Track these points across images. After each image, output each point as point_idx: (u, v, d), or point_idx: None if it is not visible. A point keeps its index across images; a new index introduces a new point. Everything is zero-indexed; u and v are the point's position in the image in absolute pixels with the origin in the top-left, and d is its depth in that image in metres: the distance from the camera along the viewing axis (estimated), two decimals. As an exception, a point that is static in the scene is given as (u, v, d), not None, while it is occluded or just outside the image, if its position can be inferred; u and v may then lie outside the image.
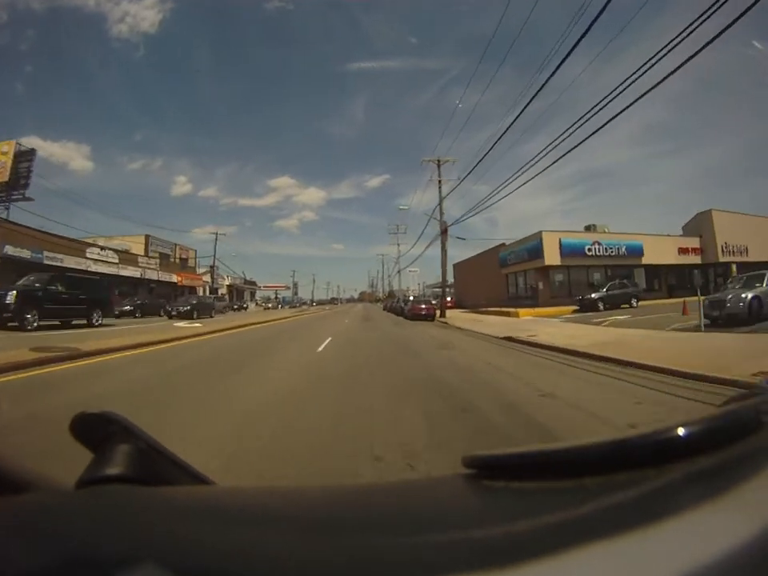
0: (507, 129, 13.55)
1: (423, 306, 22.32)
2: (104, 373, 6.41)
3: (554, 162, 12.52)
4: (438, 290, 57.11)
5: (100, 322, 15.61)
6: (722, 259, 29.84)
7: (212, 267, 47.75)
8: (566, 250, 25.83)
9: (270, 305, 63.46)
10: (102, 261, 31.65)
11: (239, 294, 60.18)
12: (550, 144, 11.26)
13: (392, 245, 76.73)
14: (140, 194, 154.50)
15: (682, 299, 25.04)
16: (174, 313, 22.71)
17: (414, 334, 13.51)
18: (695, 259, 30.17)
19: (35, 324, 12.65)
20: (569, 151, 11.11)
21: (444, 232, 23.77)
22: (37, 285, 13.56)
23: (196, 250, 47.85)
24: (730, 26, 6.21)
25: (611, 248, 26.91)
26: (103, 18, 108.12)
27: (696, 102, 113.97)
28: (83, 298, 14.95)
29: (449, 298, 26.26)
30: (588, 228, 28.64)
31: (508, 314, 21.25)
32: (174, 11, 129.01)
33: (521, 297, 28.59)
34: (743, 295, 11.44)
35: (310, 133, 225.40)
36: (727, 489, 0.35)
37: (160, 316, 23.69)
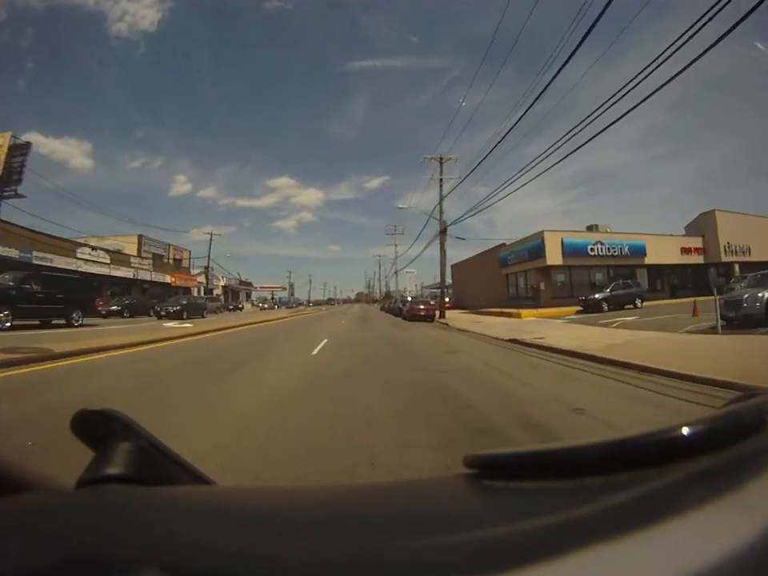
0: (510, 130, 13.59)
1: (422, 307, 21.70)
2: (73, 377, 5.83)
3: (555, 164, 12.01)
4: (434, 290, 56.64)
5: (80, 322, 15.00)
6: (724, 259, 29.49)
7: (206, 268, 47.07)
8: (568, 250, 25.29)
9: (266, 305, 62.68)
10: (93, 261, 31.06)
11: (234, 295, 59.45)
12: (551, 146, 11.05)
13: (389, 245, 76.16)
14: (139, 194, 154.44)
15: (685, 299, 24.95)
16: (163, 313, 21.97)
17: (414, 336, 12.89)
18: (698, 259, 29.86)
19: (8, 324, 12.13)
20: (570, 153, 10.98)
21: (443, 231, 23.17)
22: (10, 283, 13.00)
23: (190, 251, 47.27)
24: (733, 27, 6.03)
25: (614, 248, 26.40)
26: (104, 17, 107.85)
27: (696, 102, 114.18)
28: (61, 297, 14.35)
29: (447, 299, 25.61)
30: (590, 228, 28.11)
31: (509, 315, 20.68)
32: (173, 10, 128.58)
33: (521, 297, 28.04)
34: (760, 295, 10.87)
35: (309, 133, 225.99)
36: (729, 489, 0.35)
37: (150, 316, 22.97)
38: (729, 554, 0.28)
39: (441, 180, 23.74)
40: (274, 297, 78.32)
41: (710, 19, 6.15)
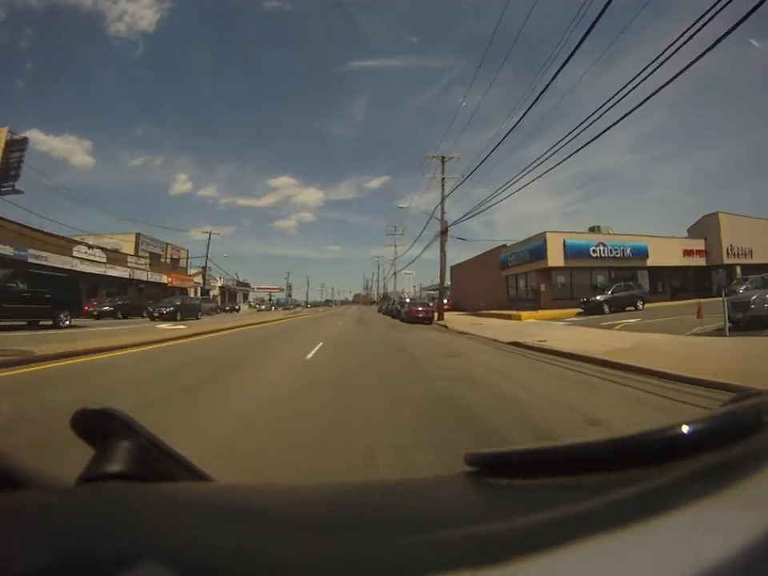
0: (511, 130, 13.56)
1: (420, 309, 21.35)
2: (53, 382, 5.47)
3: (556, 166, 12.15)
4: (432, 292, 56.29)
5: (68, 323, 14.49)
6: (726, 262, 29.35)
7: (204, 268, 46.53)
8: (570, 252, 24.97)
9: (263, 307, 62.14)
10: (89, 260, 30.67)
11: (232, 296, 58.97)
12: (552, 148, 10.93)
13: (389, 246, 75.93)
14: (139, 192, 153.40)
15: (686, 302, 24.75)
16: (156, 314, 21.39)
17: (413, 339, 12.53)
18: (700, 261, 29.68)
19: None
20: (570, 155, 11.02)
21: (444, 232, 22.81)
22: None
23: (188, 250, 46.79)
24: (735, 27, 5.94)
25: (616, 249, 26.10)
26: (103, 16, 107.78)
27: (696, 103, 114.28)
28: (49, 297, 13.77)
29: (445, 301, 25.24)
30: (593, 229, 27.85)
31: (509, 317, 20.36)
32: (172, 10, 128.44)
33: (521, 299, 27.71)
34: (768, 296, 10.57)
35: (310, 133, 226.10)
36: (729, 487, 0.35)
37: (143, 317, 22.41)
38: (728, 550, 0.29)
39: (443, 179, 23.39)
40: (272, 298, 77.78)
41: (710, 19, 6.07)
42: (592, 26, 7.95)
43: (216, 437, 3.24)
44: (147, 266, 37.56)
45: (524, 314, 20.24)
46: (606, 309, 19.78)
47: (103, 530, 0.40)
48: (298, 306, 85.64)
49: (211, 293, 49.19)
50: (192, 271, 47.46)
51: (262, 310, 54.68)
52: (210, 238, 46.42)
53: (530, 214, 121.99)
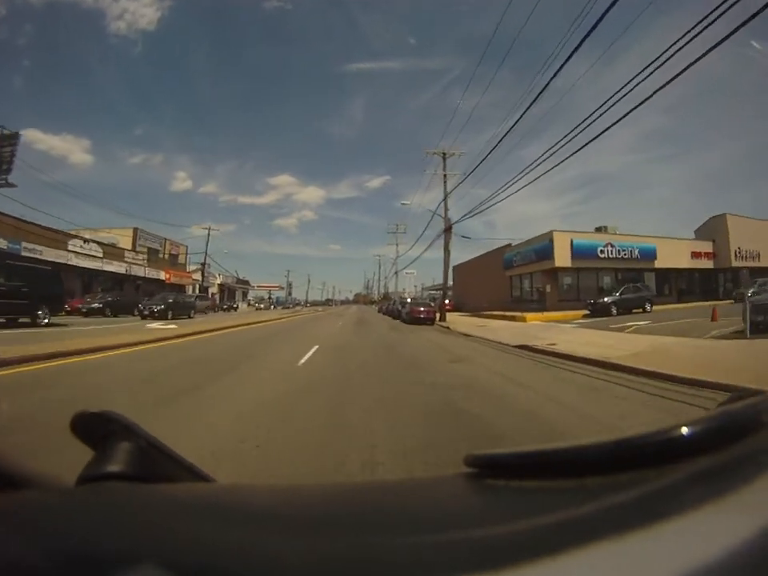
0: (512, 128, 12.92)
1: (422, 309, 20.66)
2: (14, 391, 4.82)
3: (556, 166, 11.69)
4: (434, 292, 55.61)
5: (48, 320, 13.37)
6: (734, 264, 28.77)
7: (203, 264, 45.87)
8: (577, 252, 24.37)
9: (262, 305, 61.35)
10: (85, 254, 30.16)
11: (231, 294, 58.37)
12: (551, 148, 10.80)
13: (390, 244, 75.36)
14: (139, 190, 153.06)
15: (694, 304, 24.22)
16: (146, 312, 20.38)
17: (415, 342, 11.93)
18: (707, 264, 29.18)
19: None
20: (570, 155, 10.84)
21: (448, 230, 22.16)
22: None
23: (187, 246, 46.20)
24: (736, 30, 5.90)
25: (624, 250, 25.51)
26: (103, 14, 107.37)
27: (696, 104, 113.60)
28: (26, 291, 12.54)
29: (446, 301, 24.60)
30: (599, 229, 27.21)
31: (513, 319, 19.75)
32: (173, 9, 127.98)
33: (525, 300, 27.12)
34: (791, 298, 10.03)
35: (310, 132, 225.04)
36: (728, 489, 0.35)
37: (135, 315, 21.46)
38: (728, 552, 0.28)
39: (444, 176, 22.76)
40: (271, 296, 77.14)
41: (711, 23, 6.02)
42: (593, 27, 7.83)
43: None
44: (145, 261, 36.98)
45: (529, 315, 19.63)
46: (614, 311, 19.24)
47: (103, 530, 0.40)
48: (298, 304, 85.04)
49: (210, 290, 48.59)
50: (191, 268, 46.89)
51: (261, 309, 54.08)
52: (209, 234, 45.89)
53: (530, 215, 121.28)
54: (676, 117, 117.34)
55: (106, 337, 9.80)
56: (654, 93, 7.61)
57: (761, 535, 0.30)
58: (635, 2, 11.01)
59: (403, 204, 61.08)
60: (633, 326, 13.41)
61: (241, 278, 65.43)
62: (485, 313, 25.13)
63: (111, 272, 32.24)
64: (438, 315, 20.81)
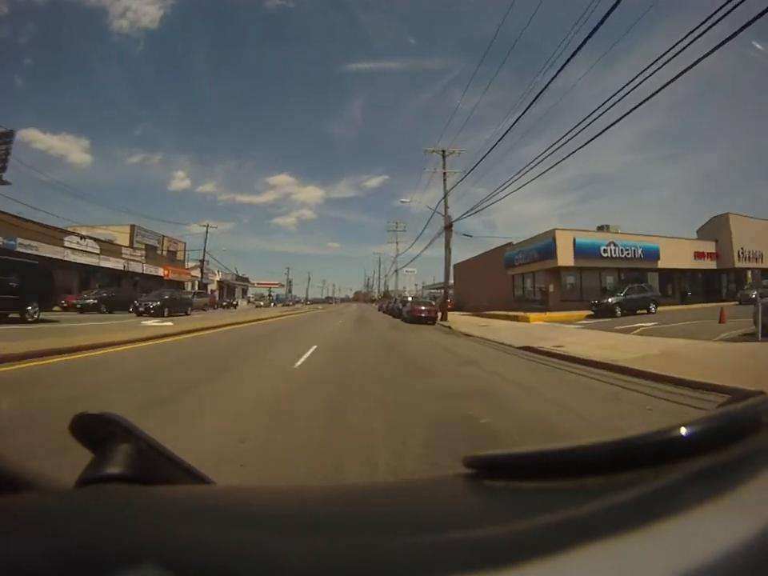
0: (512, 126, 12.69)
1: (424, 308, 20.32)
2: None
3: (555, 165, 11.75)
4: (434, 291, 55.34)
5: (37, 316, 13.08)
6: (737, 265, 28.47)
7: (202, 261, 45.54)
8: (580, 251, 24.02)
9: (261, 303, 61.15)
10: (82, 250, 29.88)
11: (230, 291, 58.06)
12: (550, 147, 10.77)
13: (390, 243, 75.03)
14: (138, 189, 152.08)
15: (698, 305, 23.96)
16: (141, 309, 19.93)
17: (418, 342, 11.63)
18: (710, 264, 28.88)
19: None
20: (569, 155, 10.76)
21: (449, 227, 21.84)
22: None
23: (185, 243, 45.82)
24: (737, 32, 5.90)
25: (627, 250, 25.17)
26: (105, 13, 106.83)
27: (695, 105, 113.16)
28: (15, 286, 12.28)
29: (447, 300, 24.31)
30: (601, 228, 26.85)
31: (516, 319, 19.43)
32: (175, 8, 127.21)
33: (527, 300, 26.80)
34: (806, 299, 9.75)
35: (309, 132, 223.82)
36: (727, 489, 0.35)
37: (130, 311, 21.04)
38: (727, 553, 0.29)
39: (444, 174, 22.42)
40: (271, 294, 76.90)
41: (714, 24, 5.99)
42: (595, 29, 7.77)
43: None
44: (143, 258, 36.69)
45: (532, 315, 19.32)
46: (619, 312, 18.94)
47: (103, 532, 0.40)
48: (298, 302, 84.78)
49: (209, 287, 48.33)
50: (190, 264, 46.56)
51: (260, 306, 53.84)
52: (207, 231, 45.55)
53: (529, 214, 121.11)
54: (675, 116, 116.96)
55: (94, 335, 9.36)
56: (654, 94, 7.59)
57: (760, 535, 0.30)
58: (635, 4, 10.93)
59: (403, 202, 60.85)
60: (639, 327, 13.12)
61: (240, 275, 65.13)
62: (486, 312, 24.82)
63: (109, 268, 32.04)
64: (439, 314, 20.52)
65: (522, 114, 11.84)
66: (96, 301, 21.49)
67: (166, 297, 21.40)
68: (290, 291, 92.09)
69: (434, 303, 23.47)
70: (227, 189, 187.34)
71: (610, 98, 8.26)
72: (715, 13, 5.96)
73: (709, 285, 29.26)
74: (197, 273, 45.35)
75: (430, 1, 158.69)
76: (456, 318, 21.78)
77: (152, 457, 0.59)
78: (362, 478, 2.53)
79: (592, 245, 24.42)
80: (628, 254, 25.22)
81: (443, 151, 22.84)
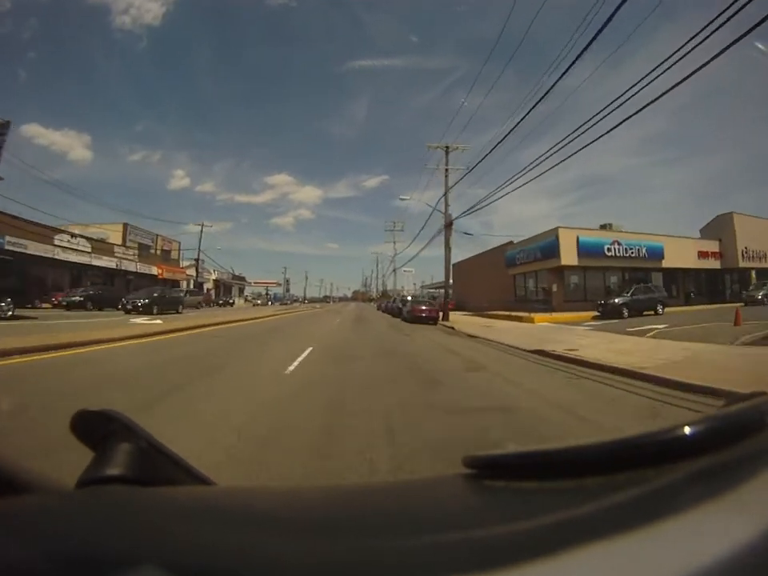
0: (515, 126, 13.09)
1: (425, 308, 19.70)
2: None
3: (555, 165, 12.04)
4: (432, 290, 54.81)
5: (11, 313, 12.52)
6: (741, 264, 28.07)
7: (197, 260, 45.02)
8: (583, 250, 23.44)
9: (259, 301, 60.85)
10: (73, 249, 29.24)
11: (227, 290, 57.52)
12: (551, 148, 10.95)
13: (388, 242, 74.44)
14: (137, 187, 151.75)
15: (702, 306, 23.45)
16: (129, 306, 19.18)
17: (420, 343, 11.02)
18: (714, 264, 28.45)
19: None
20: (569, 156, 10.98)
21: (449, 225, 21.24)
22: None
23: (180, 242, 45.26)
24: (740, 38, 5.90)
25: (631, 249, 24.61)
26: (108, 10, 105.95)
27: (698, 107, 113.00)
28: None
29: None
30: (604, 227, 26.30)
31: (520, 319, 18.85)
32: (177, 5, 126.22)
33: (530, 300, 26.19)
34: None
35: (308, 131, 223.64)
36: (729, 489, 0.35)
37: (118, 309, 20.26)
38: (728, 553, 0.29)
39: (446, 170, 21.80)
40: (269, 293, 76.32)
41: (718, 28, 5.96)
42: (599, 31, 7.75)
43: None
44: (135, 256, 36.11)
45: (537, 316, 18.73)
46: (626, 313, 18.36)
47: (103, 533, 0.40)
48: (296, 301, 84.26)
49: (205, 286, 47.83)
50: (185, 263, 46.00)
51: (257, 305, 53.58)
52: (202, 230, 45.03)
53: (527, 215, 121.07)
54: (676, 119, 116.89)
55: (70, 333, 8.63)
56: (658, 98, 7.61)
57: (762, 536, 0.30)
58: (639, 7, 10.60)
59: (402, 199, 60.25)
60: (652, 329, 12.52)
61: (237, 274, 64.56)
62: (488, 312, 24.26)
63: (101, 267, 31.56)
64: (441, 314, 19.92)
65: (527, 115, 12.07)
66: (82, 298, 20.82)
67: (155, 295, 20.66)
68: (287, 290, 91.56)
69: (433, 302, 22.90)
70: (226, 188, 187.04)
71: (613, 101, 8.28)
72: (718, 16, 5.90)
73: (712, 285, 28.81)
74: (192, 272, 44.80)
75: (431, 1, 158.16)
76: (457, 318, 21.21)
77: (152, 456, 0.58)
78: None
79: (596, 243, 23.86)
80: (632, 253, 24.67)
81: (446, 147, 22.21)
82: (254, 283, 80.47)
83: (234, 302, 48.82)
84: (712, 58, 6.42)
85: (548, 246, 24.03)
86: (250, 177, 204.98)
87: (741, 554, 0.28)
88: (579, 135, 9.68)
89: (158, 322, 13.83)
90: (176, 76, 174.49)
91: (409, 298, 28.67)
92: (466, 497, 0.50)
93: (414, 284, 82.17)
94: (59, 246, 28.05)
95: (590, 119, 9.14)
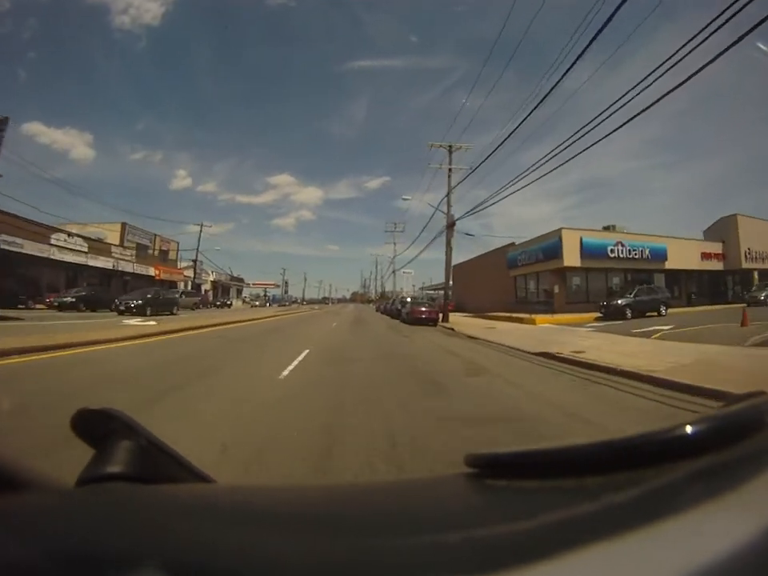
0: (517, 127, 12.56)
1: (424, 309, 19.38)
2: None
3: (555, 168, 12.41)
4: (431, 292, 54.50)
5: None
6: (744, 266, 27.85)
7: (195, 261, 44.67)
8: (587, 251, 23.14)
9: (257, 302, 60.69)
10: (69, 249, 28.84)
11: (225, 291, 57.18)
12: (551, 152, 10.86)
13: (388, 243, 74.23)
14: (139, 187, 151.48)
15: (704, 307, 23.21)
16: (122, 307, 18.82)
17: (420, 345, 10.71)
18: (717, 265, 28.25)
19: None
20: (569, 159, 10.83)
21: (451, 226, 20.94)
22: None
23: (178, 243, 44.86)
24: (740, 39, 5.88)
25: (635, 250, 24.34)
26: (108, 9, 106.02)
27: (694, 111, 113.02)
28: None
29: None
30: (607, 228, 26.04)
31: (521, 321, 18.56)
32: (177, 5, 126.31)
33: (531, 301, 25.90)
34: None
35: (310, 132, 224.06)
36: (729, 488, 0.35)
37: (111, 310, 19.92)
38: (729, 553, 0.29)
39: (449, 170, 21.52)
40: (267, 294, 76.04)
41: (717, 29, 5.92)
42: (598, 32, 7.72)
43: None
44: (133, 257, 35.72)
45: (539, 317, 18.44)
46: (629, 314, 18.07)
47: (103, 531, 0.40)
48: (295, 302, 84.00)
49: (203, 287, 47.49)
50: (183, 264, 45.64)
51: (255, 306, 53.34)
52: (201, 230, 44.71)
53: (527, 218, 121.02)
54: (675, 122, 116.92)
55: (50, 335, 8.25)
56: (657, 101, 7.58)
57: (761, 535, 0.30)
58: (635, 10, 10.48)
59: (404, 199, 60.04)
60: (657, 330, 12.23)
61: (235, 275, 64.27)
62: (488, 314, 23.98)
63: (98, 267, 31.08)
64: (440, 316, 19.61)
65: (528, 115, 11.66)
66: (74, 299, 20.43)
67: (149, 296, 20.31)
68: (286, 291, 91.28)
69: (433, 304, 22.59)
70: (227, 188, 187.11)
71: (612, 104, 8.23)
72: (717, 17, 5.84)
73: (714, 286, 28.62)
74: (190, 273, 44.47)
75: (431, 1, 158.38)
76: (457, 320, 20.92)
77: (153, 454, 0.57)
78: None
79: (599, 245, 23.58)
80: (635, 254, 24.40)
81: (450, 146, 21.94)
82: (253, 284, 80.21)
83: (231, 304, 48.52)
84: (712, 60, 6.32)
85: (550, 248, 23.74)
86: (251, 177, 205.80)
87: (741, 554, 0.28)
88: (580, 138, 9.59)
89: (152, 323, 13.50)
90: (177, 75, 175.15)
91: (408, 299, 28.35)
92: (468, 496, 0.50)
93: (413, 285, 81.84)
94: (55, 246, 27.63)
95: (590, 122, 9.10)
